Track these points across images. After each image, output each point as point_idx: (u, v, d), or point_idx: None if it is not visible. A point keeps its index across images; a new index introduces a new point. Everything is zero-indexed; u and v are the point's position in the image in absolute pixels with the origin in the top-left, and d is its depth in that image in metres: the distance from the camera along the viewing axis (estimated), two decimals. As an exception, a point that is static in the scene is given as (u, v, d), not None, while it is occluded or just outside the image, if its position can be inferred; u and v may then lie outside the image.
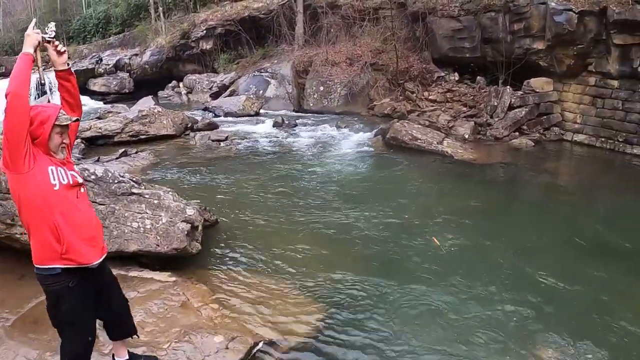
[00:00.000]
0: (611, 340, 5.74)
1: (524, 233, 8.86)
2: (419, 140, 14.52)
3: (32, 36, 3.75)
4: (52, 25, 4.03)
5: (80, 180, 3.96)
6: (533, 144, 15.60)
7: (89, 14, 42.59)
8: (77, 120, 4.02)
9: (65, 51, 4.07)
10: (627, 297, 6.82)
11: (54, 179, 3.71)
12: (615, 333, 5.88)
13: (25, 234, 6.13)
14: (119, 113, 17.26)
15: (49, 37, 3.92)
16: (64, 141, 3.84)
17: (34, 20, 3.96)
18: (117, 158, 12.96)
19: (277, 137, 16.43)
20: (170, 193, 7.61)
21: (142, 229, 6.69)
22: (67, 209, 3.75)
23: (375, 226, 8.94)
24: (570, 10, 15.50)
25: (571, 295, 6.76)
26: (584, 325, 6.07)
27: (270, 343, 5.33)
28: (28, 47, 3.73)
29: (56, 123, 3.75)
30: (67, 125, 3.84)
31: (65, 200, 3.76)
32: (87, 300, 3.94)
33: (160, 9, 32.22)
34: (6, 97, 3.49)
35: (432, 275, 7.16)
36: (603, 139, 15.55)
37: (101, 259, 3.97)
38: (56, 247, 3.68)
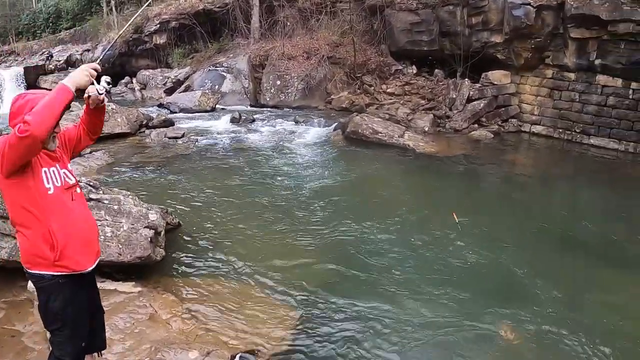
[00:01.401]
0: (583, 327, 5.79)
1: (488, 223, 8.86)
2: (379, 134, 14.40)
3: (85, 78, 3.40)
4: (107, 79, 3.63)
5: (74, 180, 3.70)
6: (492, 136, 15.72)
7: (38, 8, 41.64)
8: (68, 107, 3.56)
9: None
10: (591, 283, 6.99)
11: (48, 182, 3.45)
12: (584, 321, 5.94)
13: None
14: (71, 111, 16.70)
15: (99, 91, 3.59)
16: (55, 130, 3.52)
17: (98, 64, 3.54)
18: (89, 153, 12.54)
19: (235, 133, 16.11)
20: (130, 197, 7.28)
21: (102, 237, 6.27)
22: (62, 214, 3.50)
23: (341, 222, 8.79)
24: (529, 4, 15.61)
25: (534, 283, 6.84)
26: (548, 311, 6.14)
27: (247, 354, 5.09)
28: (72, 84, 3.32)
29: None
30: None
31: (61, 204, 3.50)
32: (79, 299, 3.70)
33: (113, 2, 31.68)
34: (25, 126, 3.05)
35: (399, 270, 7.10)
36: (560, 130, 15.75)
37: (95, 264, 3.78)
38: (48, 255, 3.44)
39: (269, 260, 7.32)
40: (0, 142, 3.21)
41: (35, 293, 3.72)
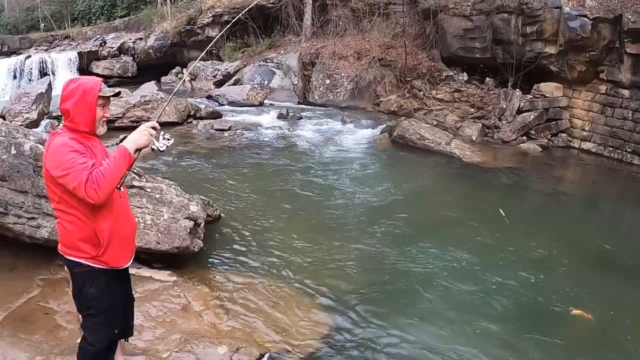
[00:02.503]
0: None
1: (529, 241, 8.69)
2: (426, 140, 14.28)
3: (145, 139, 3.51)
4: (167, 135, 3.75)
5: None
6: (540, 149, 15.39)
7: (95, -5, 42.24)
8: (118, 93, 3.77)
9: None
10: (631, 311, 6.78)
11: None
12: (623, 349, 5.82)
13: (19, 223, 5.95)
14: (121, 97, 17.00)
15: (160, 149, 3.73)
16: (105, 115, 3.62)
17: (158, 117, 3.79)
18: (117, 144, 12.65)
19: (282, 129, 16.14)
20: (173, 187, 7.34)
21: (142, 224, 6.38)
22: (109, 213, 3.55)
23: (385, 228, 8.78)
24: (585, 16, 15.28)
25: (569, 306, 6.70)
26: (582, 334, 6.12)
27: (276, 355, 5.09)
28: (133, 147, 3.44)
29: (100, 94, 3.52)
30: (108, 98, 3.61)
31: (109, 204, 3.53)
32: (115, 289, 3.77)
33: (167, -8, 31.98)
34: (95, 195, 3.23)
35: (439, 278, 7.12)
36: (611, 149, 15.35)
37: (131, 261, 3.85)
38: (90, 250, 3.52)
39: (307, 262, 7.31)
40: (66, 167, 3.26)
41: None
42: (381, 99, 19.77)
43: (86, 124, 3.50)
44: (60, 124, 12.85)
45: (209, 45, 6.96)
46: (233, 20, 7.91)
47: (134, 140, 3.44)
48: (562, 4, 15.88)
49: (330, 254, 7.64)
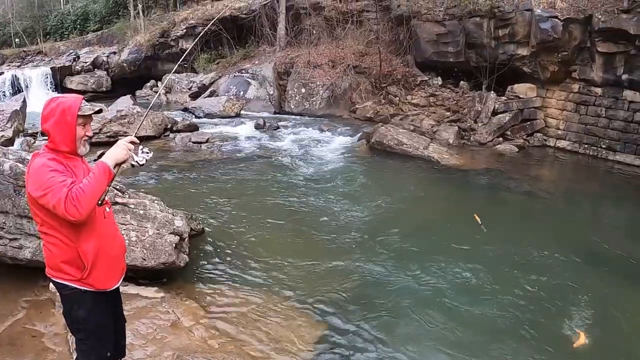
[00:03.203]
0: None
1: (509, 240, 8.80)
2: (404, 145, 14.39)
3: (124, 153, 3.46)
4: (146, 149, 3.76)
5: (106, 197, 3.64)
6: (517, 150, 15.61)
7: (66, 10, 42.02)
8: (100, 111, 3.67)
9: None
10: (614, 301, 6.95)
11: None
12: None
13: (0, 245, 5.89)
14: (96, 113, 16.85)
15: (140, 162, 3.73)
16: (87, 133, 3.54)
17: (137, 131, 3.76)
18: (95, 160, 12.58)
19: (259, 140, 16.16)
20: (156, 202, 7.30)
21: (127, 241, 6.28)
22: (93, 234, 3.48)
23: (367, 233, 8.82)
24: (556, 17, 15.53)
25: (555, 303, 6.80)
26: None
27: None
28: (113, 162, 3.39)
29: (79, 113, 3.46)
30: (90, 116, 3.55)
31: (92, 225, 3.48)
32: (103, 310, 3.70)
33: (140, 6, 31.86)
34: (75, 213, 3.15)
35: (425, 285, 7.11)
36: (586, 146, 15.62)
37: (120, 281, 3.80)
38: (75, 273, 3.45)
39: (293, 273, 7.29)
40: (46, 186, 3.21)
41: (59, 296, 3.75)
42: (357, 106, 19.87)
43: (67, 144, 3.45)
44: (36, 141, 12.70)
45: (182, 58, 6.96)
46: (203, 30, 7.90)
47: (112, 155, 3.40)
48: (533, 7, 16.11)
49: (315, 264, 7.62)
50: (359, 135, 16.17)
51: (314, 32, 23.32)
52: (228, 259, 7.64)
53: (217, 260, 7.60)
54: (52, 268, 3.50)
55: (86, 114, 3.49)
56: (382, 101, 19.84)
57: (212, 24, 8.97)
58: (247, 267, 7.38)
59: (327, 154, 14.69)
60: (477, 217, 8.14)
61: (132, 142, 3.51)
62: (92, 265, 3.45)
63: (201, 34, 7.79)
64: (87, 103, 3.59)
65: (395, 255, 8.06)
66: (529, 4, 16.31)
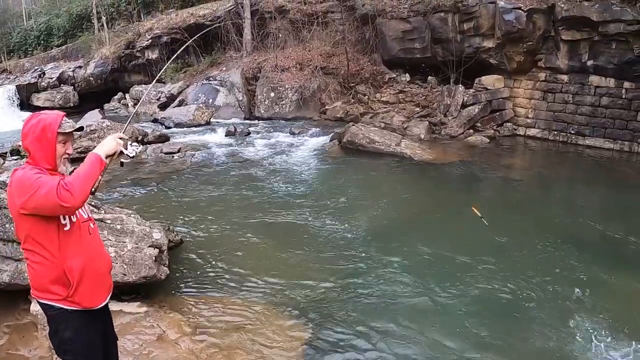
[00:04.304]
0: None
1: (491, 229, 8.61)
2: (376, 143, 14.40)
3: (114, 144, 3.50)
4: (135, 144, 3.74)
5: (88, 215, 3.65)
6: (488, 141, 15.78)
7: (29, 25, 41.57)
8: (81, 128, 3.66)
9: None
10: (593, 281, 7.02)
11: (64, 218, 3.37)
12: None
13: None
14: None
15: (130, 156, 3.76)
16: (67, 151, 3.49)
17: (124, 132, 3.78)
18: (70, 173, 12.43)
19: (231, 147, 16.05)
20: (132, 216, 7.20)
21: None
22: (78, 251, 3.42)
23: (346, 234, 8.79)
24: (519, 8, 15.74)
25: (538, 287, 6.86)
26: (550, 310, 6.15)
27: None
28: (103, 152, 3.43)
29: (59, 131, 3.40)
30: (70, 134, 3.50)
31: (77, 241, 3.43)
32: (91, 329, 3.61)
33: (104, 18, 31.64)
34: (69, 198, 3.12)
35: (407, 279, 7.08)
36: (555, 132, 15.90)
37: (108, 299, 3.73)
38: (61, 292, 3.37)
39: (275, 278, 7.21)
40: (27, 189, 3.18)
41: (42, 317, 3.65)
42: (327, 107, 19.89)
43: (47, 161, 3.39)
44: (5, 162, 12.49)
45: (158, 73, 6.87)
46: (183, 46, 7.79)
47: (105, 146, 3.44)
48: (496, -1, 16.25)
49: (296, 268, 7.56)
50: (330, 136, 16.13)
51: (280, 35, 23.28)
52: (209, 268, 7.54)
53: (197, 270, 7.50)
54: (37, 288, 3.43)
55: (66, 131, 3.44)
56: (351, 101, 19.90)
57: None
58: (228, 276, 7.29)
59: (299, 157, 14.62)
60: (475, 209, 7.83)
61: (121, 138, 3.53)
62: (78, 283, 3.38)
63: (180, 49, 7.64)
64: (68, 120, 3.52)
65: (377, 255, 7.99)
66: (492, -3, 16.48)
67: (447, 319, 6.11)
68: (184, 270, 7.48)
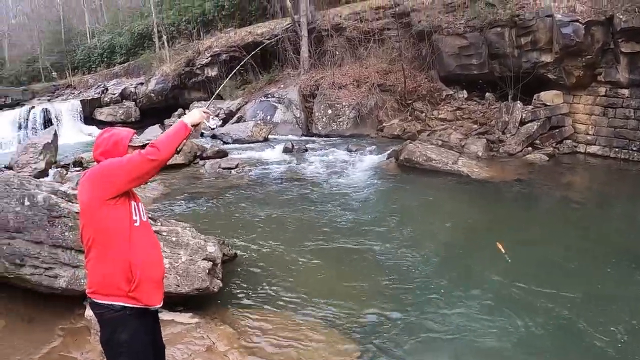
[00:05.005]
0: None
1: (545, 251, 8.67)
2: (433, 161, 14.39)
3: (199, 115, 3.91)
4: (218, 119, 4.17)
5: (149, 220, 3.92)
6: (547, 158, 15.53)
7: (93, 44, 42.94)
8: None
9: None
10: None
11: (136, 214, 3.67)
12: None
13: (36, 274, 6.07)
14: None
15: (211, 128, 4.28)
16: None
17: (208, 104, 4.24)
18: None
19: (288, 163, 16.26)
20: (188, 229, 7.40)
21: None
22: (143, 248, 3.67)
23: (402, 254, 8.69)
24: (577, 21, 15.51)
25: (603, 310, 6.65)
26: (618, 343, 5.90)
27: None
28: (190, 121, 3.80)
29: (130, 144, 3.75)
30: (140, 148, 3.76)
31: (144, 237, 3.70)
32: (146, 332, 3.77)
33: (164, 37, 32.40)
34: (155, 151, 3.53)
35: (474, 311, 6.77)
36: (617, 149, 15.52)
37: (161, 303, 3.89)
38: (123, 286, 3.55)
39: (327, 293, 7.24)
40: (115, 166, 3.53)
41: (95, 323, 3.79)
42: (384, 124, 19.95)
43: None
44: (68, 173, 12.99)
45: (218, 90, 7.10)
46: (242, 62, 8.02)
47: (191, 116, 3.86)
48: (553, 12, 16.08)
49: (352, 291, 7.47)
50: (387, 153, 16.14)
51: (337, 53, 23.46)
52: (262, 284, 7.63)
53: (250, 284, 7.61)
54: (98, 286, 3.60)
55: (136, 144, 3.76)
56: (408, 118, 19.91)
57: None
58: (281, 291, 7.37)
59: (356, 174, 14.68)
60: (500, 245, 7.76)
61: (205, 112, 3.95)
62: (140, 279, 3.57)
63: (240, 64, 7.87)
64: (138, 137, 3.89)
65: (439, 283, 7.75)
66: (549, 10, 16.30)
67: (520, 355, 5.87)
68: (237, 284, 7.59)
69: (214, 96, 5.98)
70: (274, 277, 7.83)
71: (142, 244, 3.65)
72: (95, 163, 3.78)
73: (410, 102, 20.25)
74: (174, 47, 32.48)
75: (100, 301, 3.60)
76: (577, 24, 15.50)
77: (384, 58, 22.19)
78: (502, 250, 7.63)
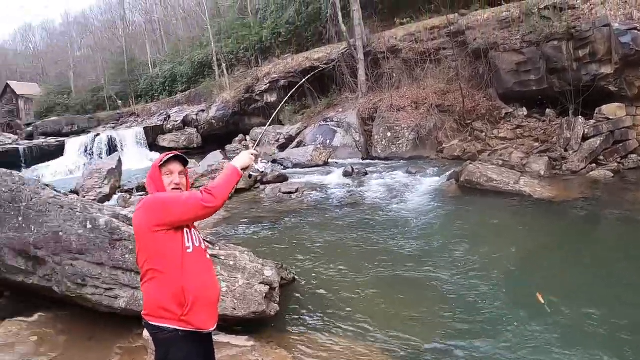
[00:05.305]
0: None
1: (628, 275, 8.36)
2: (494, 182, 14.28)
3: (248, 159, 4.11)
4: (264, 161, 4.38)
5: (204, 245, 4.08)
6: (612, 175, 15.14)
7: (155, 73, 44.33)
8: (178, 157, 4.13)
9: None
10: None
11: (188, 241, 3.85)
12: None
13: (97, 294, 6.43)
14: (189, 168, 17.63)
15: (259, 171, 4.43)
16: (174, 181, 4.02)
17: (256, 146, 4.53)
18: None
19: (348, 187, 16.34)
20: (246, 253, 7.61)
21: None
22: (196, 273, 3.81)
23: (467, 282, 8.44)
24: (635, 29, 15.27)
25: None
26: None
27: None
28: (240, 165, 4.03)
29: (159, 164, 4.01)
30: (175, 166, 4.05)
31: (197, 263, 3.85)
32: (199, 353, 3.91)
33: (224, 65, 33.13)
34: (212, 199, 3.74)
35: (536, 335, 6.55)
36: (685, 162, 15.09)
37: (215, 326, 4.01)
38: (176, 310, 3.71)
39: (386, 322, 7.08)
40: (172, 201, 3.78)
41: (151, 343, 3.96)
42: (444, 145, 19.94)
43: (156, 189, 3.99)
44: (132, 197, 13.71)
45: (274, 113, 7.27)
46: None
47: (241, 160, 4.05)
48: (610, 21, 15.84)
49: (413, 315, 7.35)
50: (447, 175, 16.07)
51: (394, 75, 23.62)
52: (319, 308, 7.63)
53: (308, 309, 7.63)
54: (152, 309, 3.77)
55: (163, 162, 4.01)
56: (468, 138, 19.82)
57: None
58: (338, 317, 7.31)
59: (417, 197, 14.65)
60: (539, 296, 7.37)
61: (253, 155, 4.14)
62: (192, 303, 3.72)
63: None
64: (170, 156, 4.08)
65: (500, 305, 7.56)
66: (605, 20, 16.07)
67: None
68: (295, 309, 7.62)
69: (268, 123, 6.17)
70: (332, 303, 7.79)
71: (195, 269, 3.81)
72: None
73: (469, 122, 20.18)
74: (233, 74, 33.28)
75: (153, 323, 3.78)
76: (636, 31, 15.29)
77: (441, 78, 22.25)
78: (542, 300, 7.32)
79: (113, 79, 48.53)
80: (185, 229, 3.85)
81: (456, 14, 22.48)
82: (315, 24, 30.72)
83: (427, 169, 17.59)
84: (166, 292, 3.71)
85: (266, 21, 34.81)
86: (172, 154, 4.07)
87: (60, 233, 6.68)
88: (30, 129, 43.43)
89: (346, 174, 17.89)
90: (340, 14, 26.25)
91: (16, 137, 42.39)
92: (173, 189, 3.97)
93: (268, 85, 28.49)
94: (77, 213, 6.75)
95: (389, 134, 21.07)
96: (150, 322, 3.78)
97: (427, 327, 7.02)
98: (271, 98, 28.37)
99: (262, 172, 4.33)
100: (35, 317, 7.01)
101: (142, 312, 3.86)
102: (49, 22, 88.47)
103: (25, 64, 78.82)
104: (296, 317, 7.38)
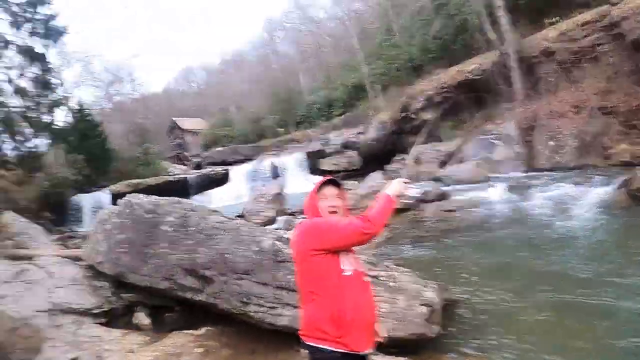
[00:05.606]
0: None
1: None
2: (673, 190, 13.11)
3: (400, 187, 4.27)
4: (416, 187, 4.62)
5: (362, 268, 4.23)
6: None
7: (310, 100, 45.88)
8: (331, 181, 4.33)
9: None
10: None
11: (344, 265, 4.01)
12: None
13: (260, 312, 6.91)
14: (349, 190, 17.98)
15: (411, 197, 4.66)
16: (329, 204, 4.22)
17: (404, 178, 4.51)
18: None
19: (510, 203, 15.80)
20: (407, 274, 7.69)
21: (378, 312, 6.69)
22: (353, 296, 3.96)
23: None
24: None
25: None
26: None
27: None
28: (393, 193, 4.20)
29: (317, 193, 4.25)
30: (332, 191, 4.27)
31: (355, 287, 4.01)
32: None
33: (377, 86, 33.50)
34: (371, 227, 3.92)
35: None
36: None
37: (370, 349, 4.09)
38: (332, 332, 3.86)
39: (553, 351, 6.73)
40: (331, 227, 3.98)
41: None
42: (610, 150, 18.68)
43: (313, 214, 4.20)
44: (295, 220, 14.53)
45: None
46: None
47: (394, 189, 4.20)
48: None
49: (584, 345, 6.87)
50: (616, 184, 15.02)
51: (550, 79, 22.64)
52: (482, 331, 7.48)
53: (469, 332, 7.50)
54: (309, 330, 3.96)
55: (317, 187, 4.25)
56: (637, 141, 18.47)
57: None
58: (502, 342, 7.09)
59: (584, 210, 13.78)
60: None
61: (404, 182, 4.29)
62: (349, 325, 3.86)
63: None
64: (329, 183, 4.30)
65: None
66: None
67: None
68: (455, 331, 7.54)
69: (421, 140, 6.12)
70: (496, 327, 7.61)
71: (352, 292, 3.96)
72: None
73: (637, 122, 18.83)
74: (386, 94, 33.48)
75: (310, 343, 3.96)
76: None
77: (600, 77, 20.90)
78: None
79: (272, 109, 50.85)
80: (342, 253, 4.02)
81: (607, 5, 21.11)
82: (462, 35, 30.22)
83: (593, 177, 16.53)
84: (323, 314, 3.89)
85: (414, 38, 34.89)
86: (326, 179, 4.31)
87: (227, 254, 7.36)
88: (197, 159, 46.90)
89: (508, 188, 17.35)
90: (487, 21, 25.69)
91: (185, 167, 46.01)
92: (330, 212, 4.17)
93: (422, 102, 28.38)
94: (243, 236, 7.40)
95: (551, 143, 20.16)
96: (307, 342, 3.97)
97: (601, 353, 6.62)
98: (427, 115, 28.21)
99: (414, 197, 4.48)
100: (203, 330, 7.72)
101: (300, 332, 4.06)
102: (209, 64, 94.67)
103: (189, 102, 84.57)
104: (457, 340, 7.33)
